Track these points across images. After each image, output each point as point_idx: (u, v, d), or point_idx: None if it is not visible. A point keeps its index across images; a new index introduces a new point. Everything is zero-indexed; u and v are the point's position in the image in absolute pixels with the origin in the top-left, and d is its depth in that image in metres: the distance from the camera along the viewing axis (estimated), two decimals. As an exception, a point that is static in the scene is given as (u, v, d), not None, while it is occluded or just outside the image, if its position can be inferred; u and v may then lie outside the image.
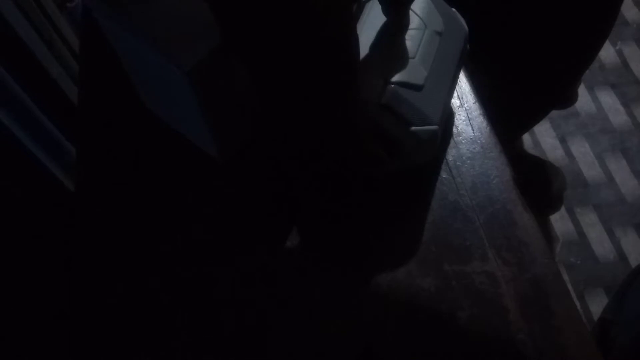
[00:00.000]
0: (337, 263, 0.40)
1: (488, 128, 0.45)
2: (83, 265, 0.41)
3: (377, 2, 0.36)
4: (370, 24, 0.39)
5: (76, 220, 0.44)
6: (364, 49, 0.38)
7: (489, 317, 0.38)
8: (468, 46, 0.42)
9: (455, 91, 0.46)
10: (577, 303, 0.92)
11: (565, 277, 0.95)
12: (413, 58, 0.38)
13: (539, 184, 1.00)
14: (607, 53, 1.17)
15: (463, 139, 0.44)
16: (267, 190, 0.42)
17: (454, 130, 0.45)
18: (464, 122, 0.45)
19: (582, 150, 1.07)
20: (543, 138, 1.09)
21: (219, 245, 0.41)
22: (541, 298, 0.38)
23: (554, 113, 1.10)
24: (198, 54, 0.32)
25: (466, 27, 0.40)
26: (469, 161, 0.43)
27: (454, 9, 0.40)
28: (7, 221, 0.61)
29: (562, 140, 1.09)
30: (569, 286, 0.95)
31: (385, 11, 0.37)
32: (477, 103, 0.46)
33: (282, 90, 0.32)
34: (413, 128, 0.37)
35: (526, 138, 1.09)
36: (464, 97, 0.46)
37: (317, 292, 0.39)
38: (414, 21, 0.38)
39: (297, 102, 0.32)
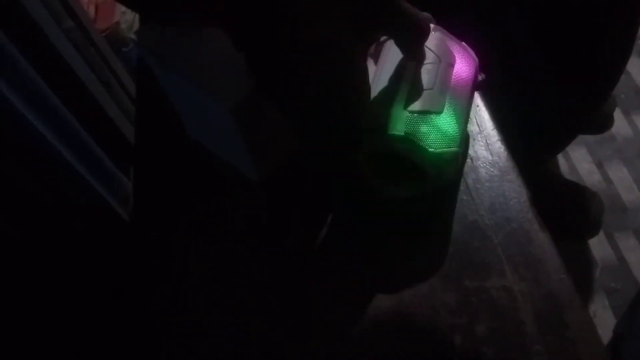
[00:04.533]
0: (363, 278, 0.43)
1: (506, 153, 0.48)
2: (134, 287, 0.46)
3: None
4: (390, 61, 0.43)
5: (131, 247, 0.49)
6: (384, 83, 0.42)
7: (507, 330, 0.40)
8: (482, 75, 0.46)
9: (474, 119, 0.49)
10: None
11: (606, 302, 0.94)
12: (431, 89, 0.41)
13: (576, 209, 1.00)
14: (642, 77, 1.18)
15: (482, 163, 0.47)
16: (299, 207, 0.46)
17: (474, 154, 0.48)
18: (483, 148, 0.48)
19: (619, 174, 1.07)
20: (579, 163, 1.09)
21: (257, 264, 0.45)
22: (556, 312, 0.40)
23: (590, 138, 1.10)
24: (239, 95, 0.38)
25: (476, 58, 0.44)
26: (487, 184, 0.46)
27: (463, 43, 0.44)
28: (69, 249, 0.67)
29: (599, 165, 1.09)
30: (610, 311, 0.94)
31: (401, 49, 0.41)
32: (495, 130, 0.49)
33: (307, 124, 0.37)
34: (436, 151, 0.40)
35: (562, 163, 1.10)
36: (482, 125, 0.49)
37: (342, 304, 0.42)
38: (430, 56, 0.42)
39: (319, 136, 0.37)
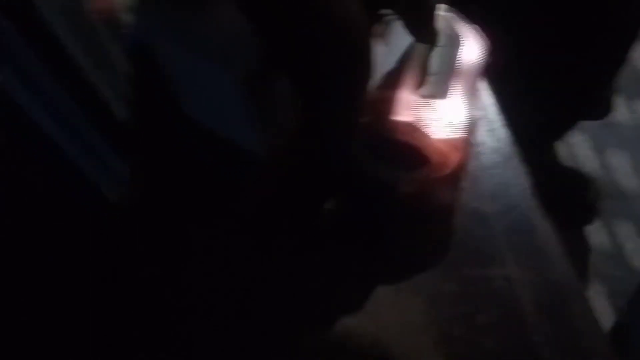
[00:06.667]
0: (361, 268, 0.42)
1: (508, 138, 0.47)
2: (127, 276, 0.45)
3: None
4: (397, 44, 0.41)
5: (124, 233, 0.48)
6: (391, 66, 0.41)
7: (508, 320, 0.39)
8: (488, 58, 0.44)
9: (477, 103, 0.48)
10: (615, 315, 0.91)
11: (601, 289, 0.94)
12: (439, 74, 0.40)
13: (573, 194, 1.00)
14: (644, 63, 1.16)
15: (484, 149, 0.46)
16: (299, 190, 0.45)
17: (476, 140, 0.47)
18: (485, 133, 0.47)
19: (619, 161, 1.06)
20: (579, 149, 1.08)
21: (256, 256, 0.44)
22: (558, 301, 0.39)
23: (590, 124, 1.09)
24: (247, 64, 0.37)
25: (484, 42, 0.42)
26: (489, 170, 0.45)
27: (472, 24, 0.43)
28: (59, 234, 0.66)
29: (599, 151, 1.08)
30: (606, 298, 0.94)
31: (409, 30, 0.39)
32: (498, 114, 0.48)
33: (315, 97, 0.36)
34: (442, 137, 0.39)
35: (562, 149, 1.09)
36: (485, 109, 0.48)
37: (338, 295, 0.41)
38: (438, 39, 0.41)
39: (324, 111, 0.36)
